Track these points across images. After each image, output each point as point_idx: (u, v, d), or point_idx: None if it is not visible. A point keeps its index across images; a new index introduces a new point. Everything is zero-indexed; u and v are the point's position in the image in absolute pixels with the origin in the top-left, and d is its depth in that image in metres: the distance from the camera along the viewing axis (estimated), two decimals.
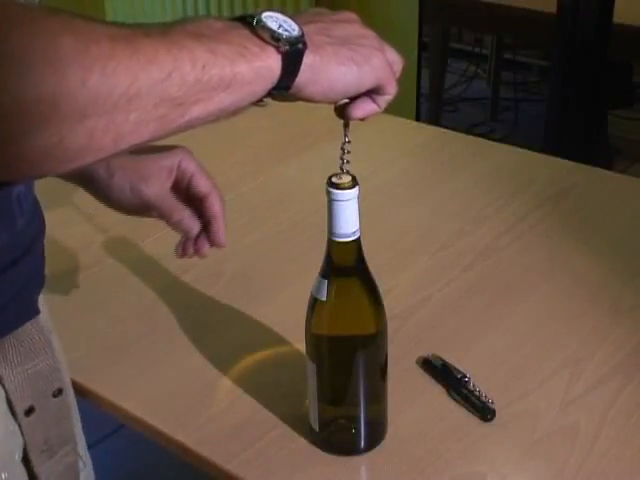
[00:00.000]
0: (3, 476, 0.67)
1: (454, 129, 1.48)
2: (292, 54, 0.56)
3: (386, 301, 0.76)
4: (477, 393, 0.84)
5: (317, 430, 0.80)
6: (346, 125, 0.69)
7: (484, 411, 0.83)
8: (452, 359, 0.89)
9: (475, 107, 3.56)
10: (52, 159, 0.48)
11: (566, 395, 0.86)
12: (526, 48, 3.58)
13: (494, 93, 3.51)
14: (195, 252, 0.84)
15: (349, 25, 0.63)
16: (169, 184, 0.81)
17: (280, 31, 0.56)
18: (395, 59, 0.65)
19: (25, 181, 0.63)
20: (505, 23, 2.80)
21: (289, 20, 0.57)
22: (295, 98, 0.60)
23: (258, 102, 0.59)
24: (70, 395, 0.76)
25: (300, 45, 0.57)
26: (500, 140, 2.73)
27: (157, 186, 0.81)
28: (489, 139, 1.51)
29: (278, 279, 1.06)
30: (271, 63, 0.56)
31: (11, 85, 0.44)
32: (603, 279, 1.04)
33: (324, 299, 0.73)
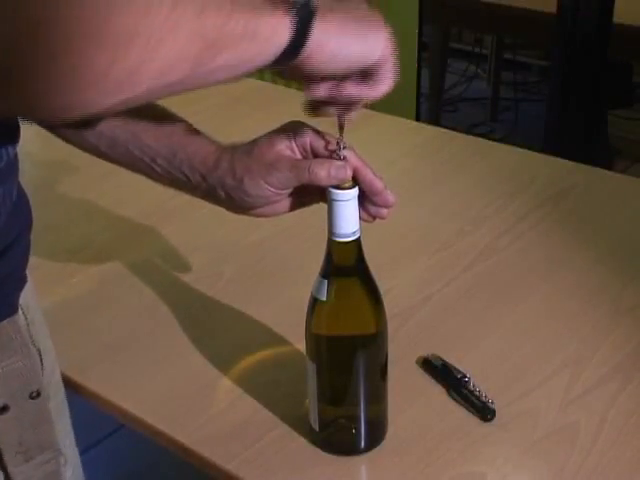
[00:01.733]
0: None
1: (454, 129, 1.48)
2: (303, 18, 0.57)
3: (386, 301, 0.76)
4: (477, 393, 0.84)
5: (317, 430, 0.80)
6: (341, 127, 0.70)
7: (484, 411, 0.83)
8: (452, 359, 0.89)
9: (475, 107, 3.56)
10: (103, 84, 0.49)
11: (566, 395, 0.86)
12: (526, 48, 3.58)
13: (494, 93, 3.51)
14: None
15: (356, 4, 0.63)
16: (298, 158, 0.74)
17: None
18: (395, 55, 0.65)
19: (67, 117, 0.57)
20: (505, 23, 2.80)
21: None
22: (299, 72, 0.61)
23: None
24: (53, 401, 0.76)
25: (311, 9, 0.58)
26: (500, 140, 2.73)
27: (287, 162, 0.73)
28: (489, 139, 1.51)
29: (278, 279, 1.06)
30: (285, 23, 0.57)
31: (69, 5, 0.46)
32: (603, 279, 1.04)
33: (324, 299, 0.73)
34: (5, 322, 0.68)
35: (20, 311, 0.71)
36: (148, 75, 0.50)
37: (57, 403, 0.79)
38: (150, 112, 0.76)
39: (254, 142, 0.74)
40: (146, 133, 0.76)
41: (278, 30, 0.57)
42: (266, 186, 0.72)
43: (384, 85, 0.65)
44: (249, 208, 0.75)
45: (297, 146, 0.73)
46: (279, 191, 0.73)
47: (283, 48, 0.57)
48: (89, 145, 0.78)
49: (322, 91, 0.67)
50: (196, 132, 0.77)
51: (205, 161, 0.75)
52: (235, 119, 1.43)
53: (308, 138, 0.73)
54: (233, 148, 0.75)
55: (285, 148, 0.73)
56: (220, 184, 0.74)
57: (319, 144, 0.72)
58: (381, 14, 0.66)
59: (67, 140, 0.79)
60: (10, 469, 0.71)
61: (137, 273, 1.07)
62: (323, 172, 0.70)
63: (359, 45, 0.62)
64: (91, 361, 0.92)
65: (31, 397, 0.71)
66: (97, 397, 0.88)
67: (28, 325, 0.72)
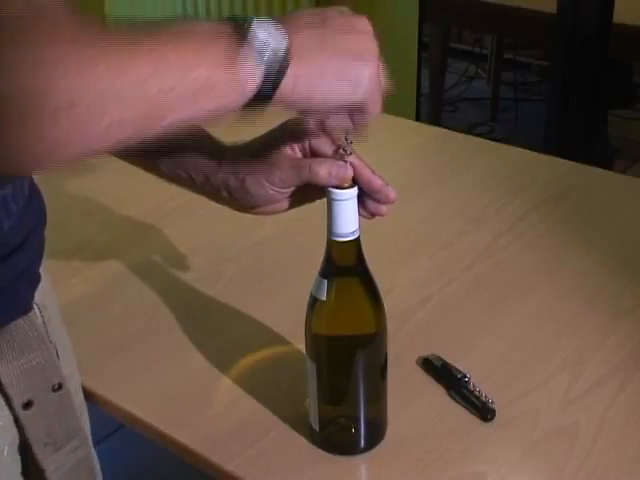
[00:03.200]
0: None
1: (454, 129, 1.48)
2: (274, 66, 0.55)
3: (386, 301, 0.76)
4: (477, 393, 0.84)
5: (317, 430, 0.80)
6: (346, 138, 0.70)
7: (484, 411, 0.83)
8: (452, 359, 0.89)
9: (475, 107, 3.56)
10: (33, 154, 0.49)
11: (566, 395, 0.86)
12: (526, 48, 3.58)
13: (494, 93, 3.51)
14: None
15: (351, 35, 0.61)
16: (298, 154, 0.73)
17: (267, 42, 0.55)
18: (385, 79, 0.64)
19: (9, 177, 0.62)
20: (505, 23, 2.79)
21: (280, 29, 0.56)
22: (282, 108, 0.59)
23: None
24: (73, 390, 0.77)
25: (284, 58, 0.56)
26: (500, 140, 2.73)
27: (288, 161, 0.73)
28: (489, 139, 1.51)
29: (278, 279, 1.06)
30: (252, 73, 0.55)
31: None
32: (603, 279, 1.04)
33: (324, 299, 0.73)
34: (20, 320, 0.69)
35: (36, 308, 0.72)
36: (81, 139, 0.49)
37: (80, 398, 0.81)
38: None
39: (255, 141, 0.74)
40: None
41: (243, 81, 0.54)
42: (268, 185, 0.72)
43: (372, 112, 0.64)
44: (251, 207, 0.75)
45: (297, 145, 0.72)
46: (281, 190, 0.73)
47: (249, 99, 0.56)
48: None
49: (310, 123, 0.67)
50: (203, 132, 0.77)
51: (209, 163, 0.75)
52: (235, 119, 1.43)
53: (307, 137, 0.72)
54: (235, 148, 0.75)
55: (286, 147, 0.72)
56: (223, 184, 0.74)
57: (319, 142, 0.72)
58: (369, 20, 0.64)
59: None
60: (41, 460, 0.72)
61: (137, 273, 1.07)
62: (324, 171, 0.70)
63: (340, 87, 0.60)
64: (91, 361, 0.92)
65: (53, 390, 0.72)
66: (97, 397, 0.88)
67: (45, 323, 0.73)
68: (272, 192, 0.73)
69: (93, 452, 0.79)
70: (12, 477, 0.72)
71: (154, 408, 0.86)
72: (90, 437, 0.80)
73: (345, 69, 0.60)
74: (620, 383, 0.87)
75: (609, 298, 1.00)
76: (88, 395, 0.88)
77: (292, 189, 0.73)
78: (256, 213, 0.76)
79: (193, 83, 0.52)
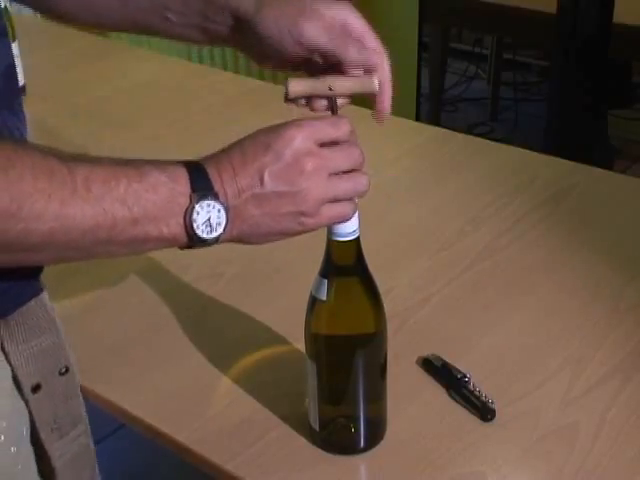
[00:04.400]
0: (12, 450, 0.69)
1: (454, 129, 1.48)
2: (202, 243, 0.63)
3: (386, 301, 0.76)
4: (477, 393, 0.84)
5: (317, 430, 0.80)
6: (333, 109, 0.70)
7: (484, 411, 0.83)
8: (452, 359, 0.89)
9: (475, 107, 3.56)
10: None
11: (566, 395, 0.86)
12: (526, 48, 3.58)
13: (494, 93, 3.51)
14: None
15: (285, 202, 0.65)
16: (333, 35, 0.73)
17: (203, 226, 0.62)
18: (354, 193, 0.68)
19: None
20: (505, 23, 2.79)
21: (222, 216, 0.63)
22: None
23: None
24: (77, 375, 0.77)
25: (214, 237, 0.63)
26: (500, 140, 2.73)
27: (321, 27, 0.72)
28: (489, 139, 1.51)
29: (278, 279, 1.06)
30: (181, 240, 0.63)
31: None
32: (603, 279, 1.04)
33: (324, 299, 0.73)
34: (32, 302, 0.69)
35: (45, 289, 0.72)
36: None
37: (78, 377, 0.81)
38: None
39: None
40: None
41: (170, 243, 0.63)
42: (288, 36, 0.73)
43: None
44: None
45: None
46: (294, 50, 0.73)
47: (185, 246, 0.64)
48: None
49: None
50: None
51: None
52: (235, 119, 1.43)
53: (358, 32, 0.73)
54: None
55: (327, 22, 0.73)
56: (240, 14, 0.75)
57: (366, 44, 0.73)
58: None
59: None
60: (47, 446, 0.72)
61: (137, 274, 1.07)
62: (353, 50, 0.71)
63: (276, 233, 0.67)
64: (91, 361, 0.92)
65: (60, 373, 0.72)
66: (97, 397, 0.88)
67: (53, 306, 0.73)
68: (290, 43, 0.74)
69: (92, 443, 0.79)
70: (29, 460, 0.72)
71: (154, 408, 0.86)
72: (89, 427, 0.80)
73: (275, 228, 0.67)
74: (620, 383, 0.87)
75: (609, 298, 1.00)
76: (88, 395, 0.88)
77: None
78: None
79: (126, 238, 0.61)
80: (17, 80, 0.68)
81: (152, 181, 0.61)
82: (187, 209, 0.62)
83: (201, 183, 0.62)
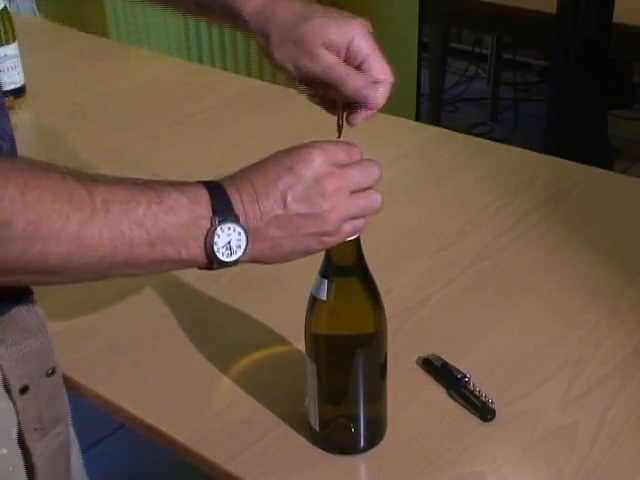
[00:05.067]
0: (4, 451, 0.69)
1: (454, 129, 1.48)
2: (221, 265, 0.63)
3: (386, 301, 0.76)
4: (477, 393, 0.84)
5: (317, 430, 0.80)
6: (339, 126, 0.70)
7: (484, 411, 0.83)
8: (452, 359, 0.89)
9: (475, 107, 3.56)
10: None
11: (566, 395, 0.86)
12: (526, 48, 3.58)
13: (494, 93, 3.51)
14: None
15: (326, 198, 0.64)
16: (337, 60, 0.74)
17: (223, 249, 0.62)
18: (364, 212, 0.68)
19: None
20: (505, 23, 2.80)
21: (242, 238, 0.62)
22: None
23: None
24: (60, 375, 0.77)
25: (234, 260, 0.63)
26: (500, 140, 2.73)
27: (323, 61, 0.74)
28: (489, 139, 1.51)
29: (278, 279, 1.06)
30: (200, 262, 0.63)
31: None
32: (603, 279, 1.04)
33: (324, 299, 0.73)
34: (23, 305, 0.69)
35: (34, 292, 0.72)
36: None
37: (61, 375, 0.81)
38: None
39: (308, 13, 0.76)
40: None
41: (190, 264, 0.63)
42: (292, 68, 0.75)
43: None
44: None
45: (348, 53, 0.74)
46: (301, 75, 0.75)
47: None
48: None
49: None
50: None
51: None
52: (235, 119, 1.43)
53: (364, 52, 0.74)
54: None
55: (333, 46, 0.74)
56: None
57: (372, 65, 0.74)
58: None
59: None
60: (29, 445, 0.72)
61: None
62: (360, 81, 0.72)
63: (297, 253, 0.66)
64: (91, 361, 0.92)
65: (47, 375, 0.72)
66: (97, 397, 0.88)
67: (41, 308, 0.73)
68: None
69: (72, 436, 0.79)
70: (18, 460, 0.72)
71: (154, 408, 0.86)
72: (70, 420, 0.80)
73: (296, 247, 0.66)
74: (620, 383, 0.87)
75: (609, 298, 1.00)
76: (88, 395, 0.88)
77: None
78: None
79: (145, 261, 0.62)
80: None
81: (171, 203, 0.60)
82: (208, 232, 0.61)
83: (222, 205, 0.62)
